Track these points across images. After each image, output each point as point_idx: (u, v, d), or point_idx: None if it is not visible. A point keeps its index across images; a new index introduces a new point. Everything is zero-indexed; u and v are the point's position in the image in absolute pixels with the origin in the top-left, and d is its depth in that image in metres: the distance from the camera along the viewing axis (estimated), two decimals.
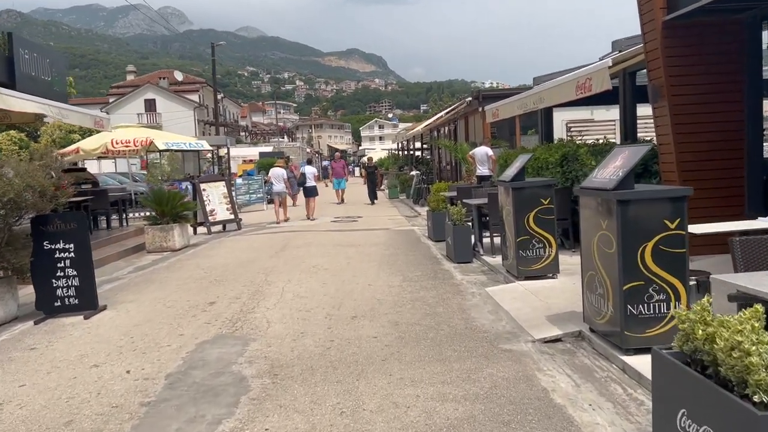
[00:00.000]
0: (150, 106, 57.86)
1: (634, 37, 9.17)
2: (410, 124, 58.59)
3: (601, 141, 9.95)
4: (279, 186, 17.77)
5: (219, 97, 45.41)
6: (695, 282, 4.43)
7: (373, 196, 23.92)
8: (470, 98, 19.19)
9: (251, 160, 38.04)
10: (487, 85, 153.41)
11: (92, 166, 24.75)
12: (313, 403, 4.05)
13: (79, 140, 21.66)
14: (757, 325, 2.21)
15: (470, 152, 15.70)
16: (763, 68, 7.27)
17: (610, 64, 7.57)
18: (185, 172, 19.40)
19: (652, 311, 4.35)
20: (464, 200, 10.69)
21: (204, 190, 15.56)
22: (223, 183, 16.63)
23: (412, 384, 4.31)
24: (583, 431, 3.48)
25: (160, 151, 17.04)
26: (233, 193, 18.70)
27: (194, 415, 3.96)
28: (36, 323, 6.69)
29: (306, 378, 4.54)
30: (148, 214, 13.03)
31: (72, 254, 7.07)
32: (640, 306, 4.35)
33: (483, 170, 14.65)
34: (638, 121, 9.92)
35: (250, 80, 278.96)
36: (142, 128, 21.01)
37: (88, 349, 5.59)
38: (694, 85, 7.11)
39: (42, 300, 7.00)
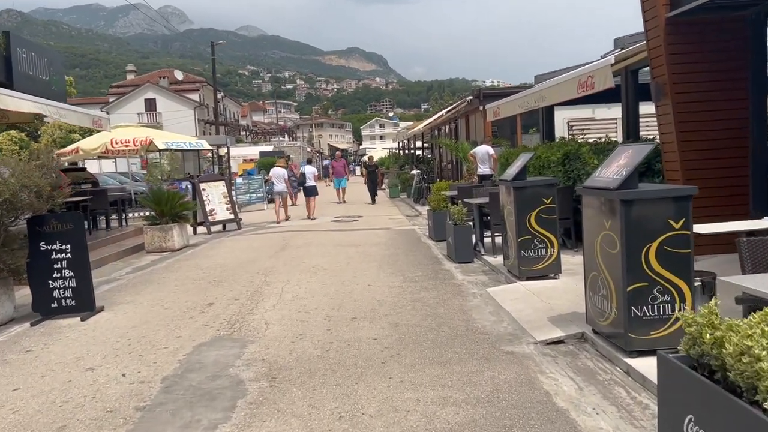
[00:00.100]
0: (150, 105, 57.79)
1: (636, 35, 9.08)
2: (411, 123, 58.51)
3: (602, 140, 9.86)
4: (280, 186, 17.71)
5: (219, 96, 45.36)
6: (700, 283, 4.36)
7: (373, 196, 23.85)
8: (471, 97, 19.09)
9: (252, 160, 37.97)
10: (488, 84, 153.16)
11: (93, 166, 24.69)
12: (312, 407, 3.98)
13: (79, 140, 21.60)
14: (767, 329, 2.14)
15: (471, 151, 15.62)
16: None
17: (613, 62, 7.49)
18: (185, 172, 19.35)
19: (656, 313, 4.27)
20: (465, 199, 10.62)
21: (203, 189, 15.49)
22: (223, 182, 16.57)
23: (412, 387, 4.24)
24: None
25: (159, 150, 16.98)
26: (233, 193, 18.65)
27: (190, 420, 3.89)
28: (32, 325, 6.63)
29: (304, 381, 4.47)
30: (147, 214, 12.97)
31: (69, 255, 7.00)
32: (645, 307, 4.27)
33: (484, 169, 14.58)
34: (640, 120, 9.84)
35: (251, 79, 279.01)
36: (141, 128, 20.90)
37: (84, 352, 5.52)
38: (697, 82, 7.03)
39: (39, 301, 6.93)
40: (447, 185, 14.29)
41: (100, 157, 21.21)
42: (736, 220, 5.33)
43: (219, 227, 15.56)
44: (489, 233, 9.54)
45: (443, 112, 24.68)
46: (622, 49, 9.07)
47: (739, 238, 3.51)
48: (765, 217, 5.17)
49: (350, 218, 17.62)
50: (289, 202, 19.42)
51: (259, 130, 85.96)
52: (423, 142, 33.39)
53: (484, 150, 14.83)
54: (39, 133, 36.76)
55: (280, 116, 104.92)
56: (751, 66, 6.96)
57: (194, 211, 14.34)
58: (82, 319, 6.74)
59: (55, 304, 6.95)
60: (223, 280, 8.67)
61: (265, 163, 30.85)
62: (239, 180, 24.30)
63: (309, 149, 67.39)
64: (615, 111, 13.93)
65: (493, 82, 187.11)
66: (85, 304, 6.99)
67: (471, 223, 9.87)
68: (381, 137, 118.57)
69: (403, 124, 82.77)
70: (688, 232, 4.22)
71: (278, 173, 17.96)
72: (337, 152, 31.00)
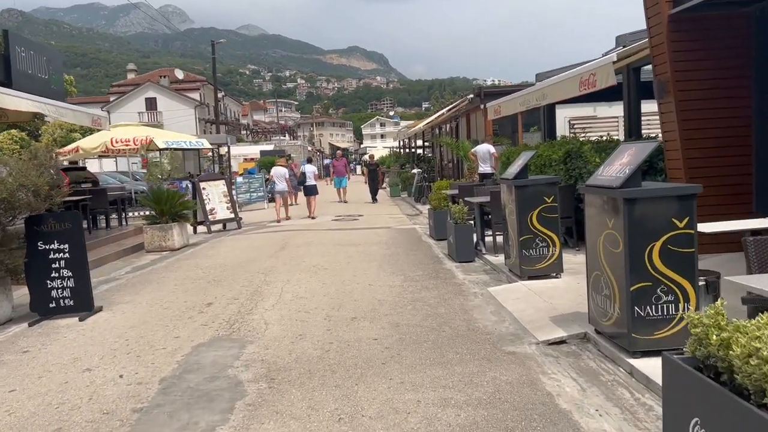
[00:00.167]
0: (151, 104, 57.76)
1: (638, 32, 9.02)
2: (412, 122, 58.40)
3: (604, 138, 9.81)
4: (281, 185, 17.68)
5: (220, 95, 45.26)
6: (704, 282, 4.30)
7: (374, 195, 23.80)
8: (472, 95, 19.04)
9: (252, 159, 37.92)
10: (488, 83, 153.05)
11: (93, 165, 24.69)
12: (311, 409, 3.93)
13: (80, 139, 21.55)
14: None
15: (472, 150, 15.57)
16: None
17: (615, 59, 7.43)
18: (186, 171, 19.29)
19: (660, 313, 4.21)
20: (466, 198, 10.56)
21: (204, 189, 15.44)
22: (223, 182, 16.52)
23: (412, 388, 4.18)
24: None
25: (160, 149, 16.92)
26: (234, 192, 18.58)
27: (187, 422, 3.84)
28: (30, 325, 6.58)
29: (304, 382, 4.42)
30: (147, 213, 12.93)
31: (67, 255, 6.95)
32: (648, 307, 4.21)
33: (485, 168, 14.53)
34: (642, 118, 9.77)
35: (252, 78, 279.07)
36: (141, 127, 20.83)
37: (81, 352, 5.47)
38: (700, 80, 6.97)
39: (37, 301, 6.88)
40: (448, 184, 14.22)
41: (100, 156, 21.16)
42: (740, 219, 5.27)
43: (219, 226, 15.51)
44: (490, 232, 9.49)
45: (444, 110, 24.61)
46: (624, 46, 9.00)
47: (744, 237, 3.45)
48: None
49: (351, 217, 17.57)
50: (290, 201, 19.38)
51: (260, 129, 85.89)
52: (424, 141, 33.31)
53: (485, 149, 14.77)
54: (40, 132, 36.74)
55: (280, 115, 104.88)
56: (754, 63, 6.89)
57: (194, 210, 14.30)
58: (81, 320, 6.69)
59: (54, 304, 6.90)
60: (223, 280, 8.62)
61: (266, 162, 30.77)
62: (240, 179, 24.25)
63: (310, 148, 67.32)
64: (617, 109, 13.86)
65: (493, 80, 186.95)
66: (83, 304, 6.94)
67: (472, 222, 9.82)
68: (382, 136, 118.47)
69: (403, 123, 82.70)
70: (692, 231, 4.16)
71: (279, 172, 17.93)
72: (338, 151, 30.94)
